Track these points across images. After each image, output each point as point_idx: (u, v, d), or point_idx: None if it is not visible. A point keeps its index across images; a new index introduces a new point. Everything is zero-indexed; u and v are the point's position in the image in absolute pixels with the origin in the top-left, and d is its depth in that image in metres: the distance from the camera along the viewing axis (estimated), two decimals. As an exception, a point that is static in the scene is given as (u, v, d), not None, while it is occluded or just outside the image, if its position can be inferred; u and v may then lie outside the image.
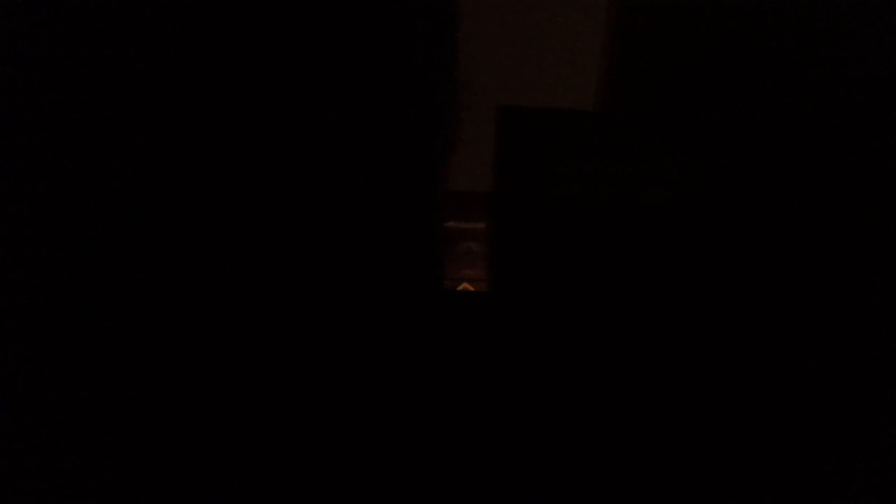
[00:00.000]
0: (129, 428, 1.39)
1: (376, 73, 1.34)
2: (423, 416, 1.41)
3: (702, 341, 1.40)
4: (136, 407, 1.38)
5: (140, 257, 1.35)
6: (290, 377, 1.40)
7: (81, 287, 1.37)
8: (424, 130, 1.42)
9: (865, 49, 1.32)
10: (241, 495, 1.37)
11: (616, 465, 1.41)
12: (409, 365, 1.41)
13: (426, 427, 1.41)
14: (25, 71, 1.32)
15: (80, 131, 1.34)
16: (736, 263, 1.38)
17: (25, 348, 1.36)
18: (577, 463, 1.42)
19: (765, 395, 1.41)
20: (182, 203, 1.33)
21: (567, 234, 1.44)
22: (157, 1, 1.29)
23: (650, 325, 1.42)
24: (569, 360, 1.44)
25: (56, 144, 1.36)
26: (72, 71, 1.32)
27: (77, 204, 1.34)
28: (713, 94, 1.37)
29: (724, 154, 1.37)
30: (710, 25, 1.34)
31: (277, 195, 1.35)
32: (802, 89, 1.34)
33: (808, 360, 1.38)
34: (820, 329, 1.38)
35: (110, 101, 1.33)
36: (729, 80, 1.36)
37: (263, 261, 1.37)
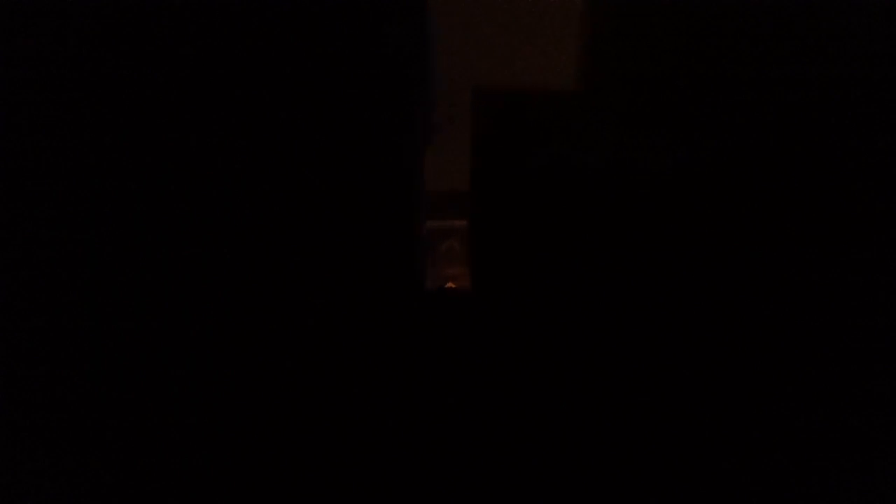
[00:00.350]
0: (116, 429, 1.39)
1: (347, 69, 1.32)
2: (409, 419, 1.40)
3: (706, 333, 1.38)
4: (112, 410, 1.38)
5: (125, 257, 1.35)
6: (269, 382, 1.39)
7: (73, 287, 1.37)
8: (400, 126, 1.40)
9: (853, 28, 1.31)
10: (230, 495, 1.37)
11: (617, 468, 1.40)
12: (394, 367, 1.40)
13: (412, 429, 1.40)
14: (25, 71, 1.32)
15: (70, 130, 1.34)
16: (732, 248, 1.35)
17: (25, 348, 1.37)
18: (572, 466, 1.41)
19: (775, 397, 1.39)
20: (147, 202, 1.32)
21: (553, 219, 1.40)
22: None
23: (647, 316, 1.39)
24: (562, 357, 1.42)
25: (56, 144, 1.36)
26: (69, 70, 1.32)
27: (69, 203, 1.34)
28: (698, 74, 1.35)
29: (713, 133, 1.35)
30: (691, 5, 1.32)
31: (248, 198, 1.34)
32: (793, 69, 1.33)
33: (809, 354, 1.37)
34: (822, 322, 1.37)
35: (90, 100, 1.33)
36: (713, 61, 1.35)
37: (237, 265, 1.36)
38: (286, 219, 1.36)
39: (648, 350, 1.40)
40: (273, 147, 1.35)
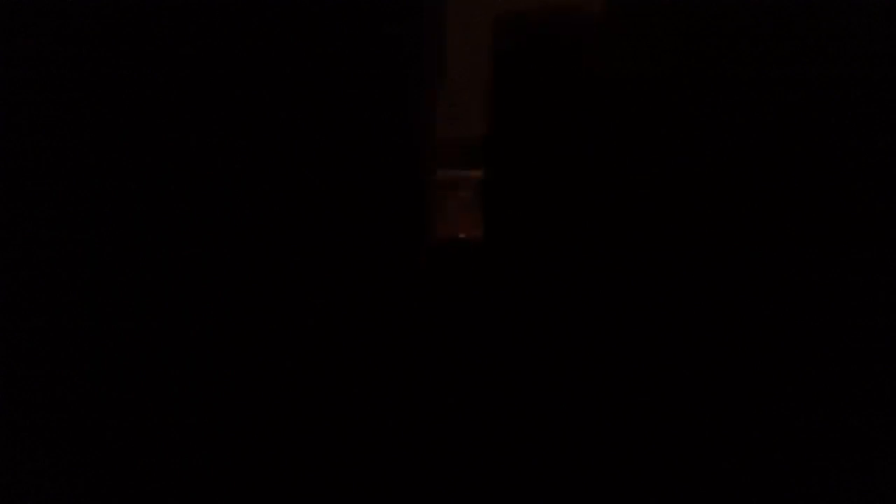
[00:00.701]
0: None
1: (354, 3, 1.29)
2: (414, 378, 1.36)
3: (706, 327, 1.37)
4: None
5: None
6: (271, 343, 1.37)
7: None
8: (409, 67, 1.35)
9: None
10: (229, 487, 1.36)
11: (627, 446, 1.38)
12: (401, 324, 1.36)
13: (420, 380, 1.36)
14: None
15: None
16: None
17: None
18: (581, 434, 1.38)
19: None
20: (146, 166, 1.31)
21: (573, 163, 1.32)
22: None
23: (658, 286, 1.34)
24: (574, 312, 1.36)
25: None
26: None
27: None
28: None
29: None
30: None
31: (254, 145, 1.31)
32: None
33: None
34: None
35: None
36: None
37: (240, 216, 1.33)
38: (287, 171, 1.33)
39: (658, 322, 1.38)
40: (271, 88, 1.32)
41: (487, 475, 1.37)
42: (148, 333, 1.36)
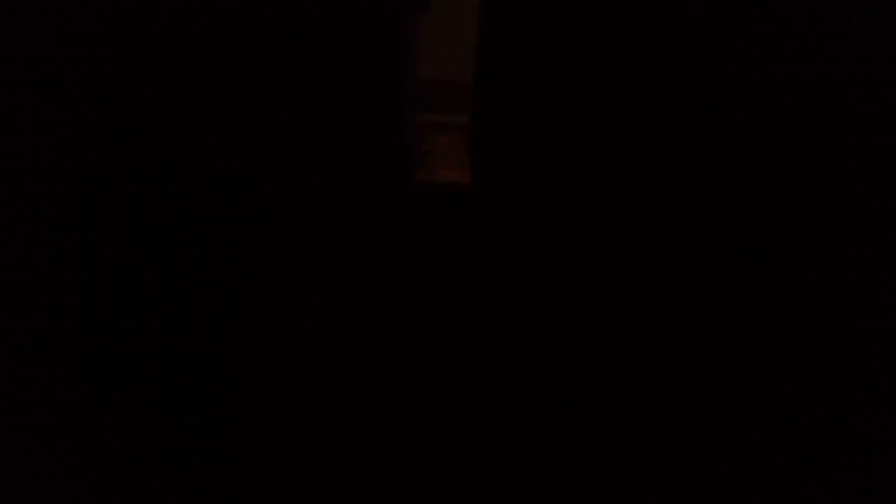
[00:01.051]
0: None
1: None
2: (406, 319, 1.34)
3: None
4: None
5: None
6: (260, 298, 1.35)
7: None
8: (392, 13, 1.30)
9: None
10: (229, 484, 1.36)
11: (624, 412, 1.36)
12: (387, 276, 1.34)
13: (410, 331, 1.34)
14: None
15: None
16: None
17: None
18: (573, 394, 1.36)
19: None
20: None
21: (562, 113, 1.28)
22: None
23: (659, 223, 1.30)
24: (565, 261, 1.33)
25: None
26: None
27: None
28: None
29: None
30: None
31: (236, 88, 1.29)
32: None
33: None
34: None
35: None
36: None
37: (226, 160, 1.31)
38: (269, 115, 1.29)
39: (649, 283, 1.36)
40: (256, 38, 1.28)
41: (477, 433, 1.35)
42: (136, 316, 1.36)
